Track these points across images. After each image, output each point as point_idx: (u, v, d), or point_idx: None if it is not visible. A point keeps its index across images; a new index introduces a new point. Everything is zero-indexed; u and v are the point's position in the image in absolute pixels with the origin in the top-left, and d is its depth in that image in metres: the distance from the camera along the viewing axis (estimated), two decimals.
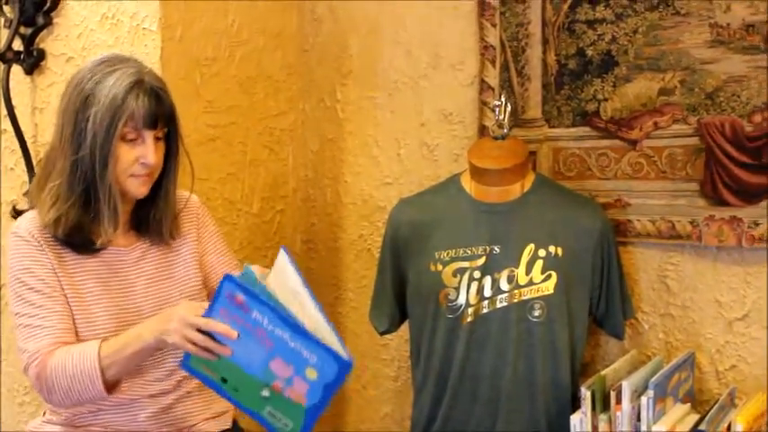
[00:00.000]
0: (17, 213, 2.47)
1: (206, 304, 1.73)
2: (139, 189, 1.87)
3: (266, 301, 1.67)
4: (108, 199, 1.82)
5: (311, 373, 1.69)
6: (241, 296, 1.67)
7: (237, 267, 2.04)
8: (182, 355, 1.78)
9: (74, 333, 1.84)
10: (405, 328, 2.35)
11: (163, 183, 1.92)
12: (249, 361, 1.71)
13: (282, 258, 1.78)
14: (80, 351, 1.78)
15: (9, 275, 1.86)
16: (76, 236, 1.85)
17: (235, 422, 2.09)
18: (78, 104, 1.81)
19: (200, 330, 1.69)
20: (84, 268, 1.88)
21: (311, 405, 1.72)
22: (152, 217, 1.94)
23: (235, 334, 1.68)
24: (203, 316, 1.69)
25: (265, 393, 1.72)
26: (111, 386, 1.80)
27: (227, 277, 1.68)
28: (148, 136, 1.83)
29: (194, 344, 1.69)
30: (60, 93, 1.91)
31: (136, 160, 1.83)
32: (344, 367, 1.68)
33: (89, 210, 1.83)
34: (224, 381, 1.75)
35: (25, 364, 1.81)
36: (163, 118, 1.85)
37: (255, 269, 1.77)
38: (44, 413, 1.99)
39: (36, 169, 1.96)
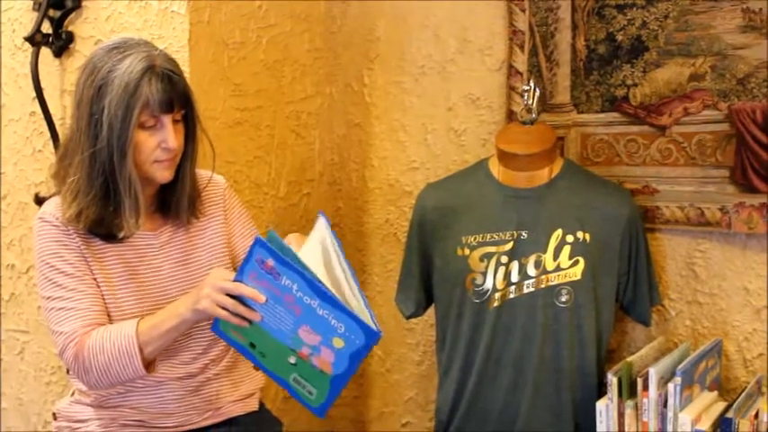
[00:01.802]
0: (39, 201, 2.48)
1: (230, 271, 1.74)
2: (164, 174, 1.85)
3: (296, 268, 1.66)
4: (128, 189, 1.79)
5: (338, 343, 1.69)
6: (271, 261, 1.66)
7: None
8: (209, 337, 1.79)
9: (106, 315, 1.84)
10: (430, 313, 2.35)
11: (182, 164, 1.89)
12: (278, 327, 1.71)
13: (321, 224, 1.78)
14: (118, 330, 1.78)
15: (37, 260, 1.86)
16: (99, 229, 1.83)
17: (261, 404, 2.10)
18: (92, 95, 1.78)
19: (229, 296, 1.69)
20: (112, 253, 1.87)
21: (337, 374, 1.72)
22: (173, 198, 1.92)
23: (263, 298, 1.68)
24: (233, 280, 1.70)
25: (292, 360, 1.73)
26: (148, 364, 1.80)
27: (258, 241, 1.66)
28: (167, 120, 1.80)
29: (225, 309, 1.70)
30: None
31: (157, 146, 1.81)
32: (371, 337, 1.67)
33: (109, 202, 1.81)
34: (252, 346, 1.75)
35: (61, 346, 1.80)
36: (178, 100, 1.82)
37: (293, 237, 1.77)
38: (72, 393, 2.00)
39: (57, 158, 1.93)
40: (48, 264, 1.83)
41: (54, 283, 1.82)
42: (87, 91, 1.79)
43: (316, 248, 1.75)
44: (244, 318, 1.71)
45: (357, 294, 1.71)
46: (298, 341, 1.71)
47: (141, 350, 1.77)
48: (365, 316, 1.68)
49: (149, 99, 1.77)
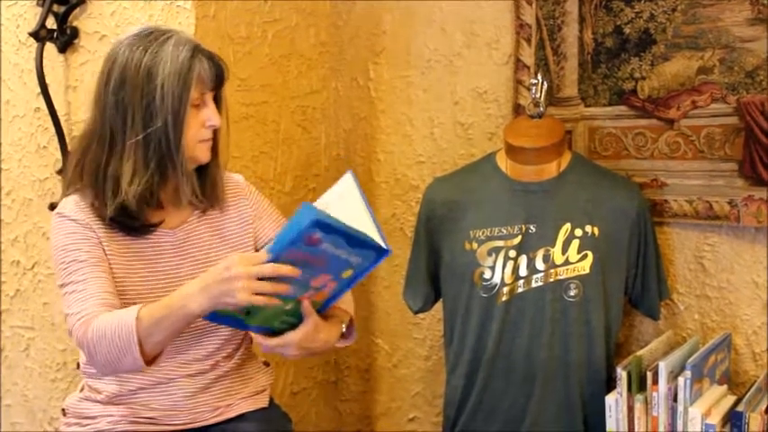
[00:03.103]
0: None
1: (257, 254, 1.68)
2: (206, 154, 1.88)
3: (342, 231, 1.60)
4: (183, 167, 1.83)
5: (347, 273, 1.70)
6: (318, 234, 1.59)
7: None
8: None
9: (117, 299, 1.81)
10: (437, 308, 2.35)
11: (215, 144, 1.92)
12: (290, 291, 1.67)
13: (349, 181, 1.78)
14: (119, 316, 1.72)
15: (54, 253, 1.85)
16: (151, 212, 1.86)
17: (271, 400, 2.09)
18: (140, 80, 1.79)
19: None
20: (131, 249, 1.87)
21: (329, 299, 1.76)
22: (209, 180, 1.93)
23: (298, 272, 1.64)
24: (269, 260, 1.63)
25: (288, 307, 1.72)
26: (151, 358, 1.75)
27: (315, 222, 1.57)
28: (209, 98, 1.86)
29: (262, 294, 1.64)
30: (94, 71, 1.91)
31: (202, 124, 1.85)
32: (382, 255, 1.68)
33: (165, 181, 1.85)
34: (247, 313, 1.71)
35: (70, 327, 1.78)
36: (222, 77, 1.88)
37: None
38: (81, 389, 1.99)
39: (77, 153, 1.90)
40: (65, 251, 1.83)
41: (69, 272, 1.82)
42: (132, 76, 1.79)
43: (343, 203, 1.73)
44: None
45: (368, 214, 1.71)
46: (304, 290, 1.70)
47: (141, 341, 1.70)
48: (376, 235, 1.67)
49: (202, 75, 1.82)
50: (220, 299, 1.66)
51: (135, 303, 1.79)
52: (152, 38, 1.82)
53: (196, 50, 1.83)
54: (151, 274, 1.88)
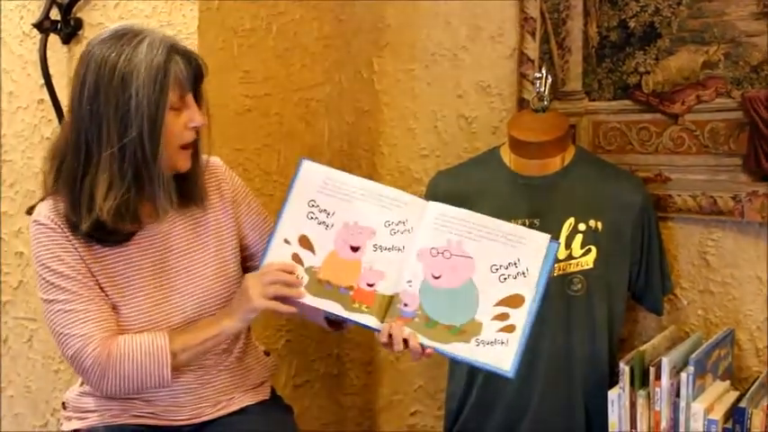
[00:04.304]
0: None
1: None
2: (187, 163, 1.82)
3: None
4: (160, 177, 1.75)
5: None
6: None
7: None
8: None
9: (115, 320, 1.82)
10: None
11: (196, 146, 1.86)
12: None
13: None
14: (150, 339, 1.79)
15: (35, 263, 1.81)
16: (123, 224, 1.77)
17: (273, 391, 2.10)
18: (115, 88, 1.71)
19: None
20: (112, 253, 1.83)
21: None
22: (191, 183, 1.88)
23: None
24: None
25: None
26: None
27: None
28: (190, 98, 1.79)
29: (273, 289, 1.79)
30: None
31: (184, 127, 1.78)
32: None
33: (142, 194, 1.77)
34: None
35: (75, 349, 1.76)
36: (201, 76, 1.82)
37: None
38: (81, 383, 1.97)
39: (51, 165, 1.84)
40: (47, 267, 1.79)
41: (55, 286, 1.79)
42: (106, 84, 1.72)
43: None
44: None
45: None
46: None
47: (173, 360, 1.79)
48: None
49: (180, 77, 1.75)
50: (247, 315, 1.82)
51: (125, 304, 1.83)
52: (125, 40, 1.74)
53: (171, 51, 1.75)
54: (137, 272, 1.85)
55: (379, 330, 1.79)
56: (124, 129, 1.72)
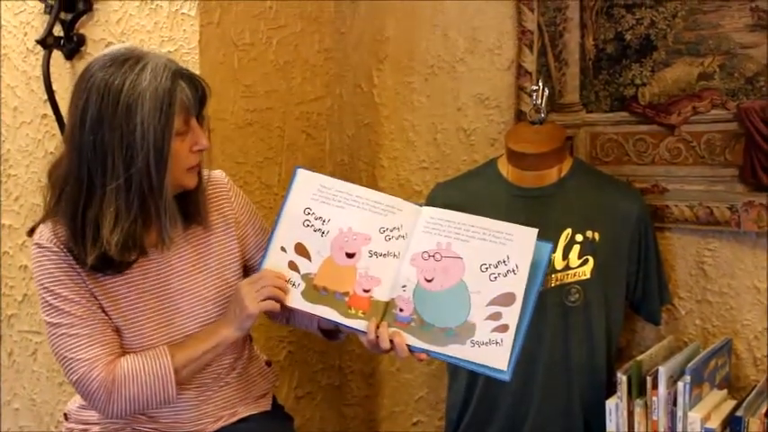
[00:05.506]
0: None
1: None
2: (193, 180, 1.81)
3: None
4: (165, 206, 1.72)
5: None
6: None
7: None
8: None
9: (119, 343, 1.82)
10: None
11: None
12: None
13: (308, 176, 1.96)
14: (152, 358, 1.79)
15: (37, 286, 1.80)
16: (134, 255, 1.76)
17: (274, 400, 2.11)
18: (120, 116, 1.66)
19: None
20: (116, 276, 1.81)
21: None
22: (195, 203, 1.86)
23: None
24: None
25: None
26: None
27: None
28: (194, 121, 1.77)
29: (267, 290, 1.80)
30: None
31: (189, 150, 1.76)
32: None
33: (148, 223, 1.75)
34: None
35: (80, 373, 1.76)
36: (205, 99, 1.79)
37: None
38: None
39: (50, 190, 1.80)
40: (49, 290, 1.77)
41: (58, 309, 1.77)
42: (110, 114, 1.67)
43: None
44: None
45: None
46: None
47: (176, 377, 1.80)
48: None
49: (185, 103, 1.72)
50: (243, 322, 1.83)
51: (128, 327, 1.83)
52: (128, 66, 1.69)
53: (176, 77, 1.71)
54: (140, 295, 1.84)
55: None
56: (130, 159, 1.67)
